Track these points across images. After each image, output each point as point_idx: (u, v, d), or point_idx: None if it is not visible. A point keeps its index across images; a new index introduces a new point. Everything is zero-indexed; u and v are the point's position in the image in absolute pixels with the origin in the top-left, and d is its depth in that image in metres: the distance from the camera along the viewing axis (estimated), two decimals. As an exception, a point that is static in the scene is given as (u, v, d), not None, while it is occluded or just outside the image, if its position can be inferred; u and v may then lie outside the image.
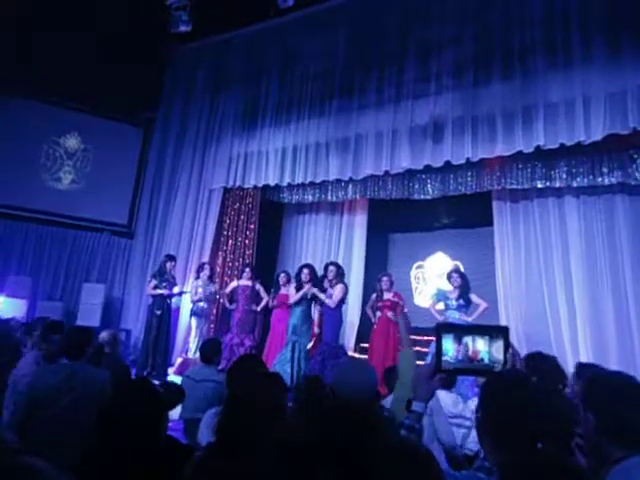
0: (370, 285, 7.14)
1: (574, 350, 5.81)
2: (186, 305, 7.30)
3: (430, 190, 6.97)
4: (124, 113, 8.87)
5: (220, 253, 7.78)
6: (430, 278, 7.57)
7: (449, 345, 1.51)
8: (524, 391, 1.36)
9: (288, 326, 6.18)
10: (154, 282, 6.77)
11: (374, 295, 6.53)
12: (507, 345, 1.54)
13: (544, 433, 1.63)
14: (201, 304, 6.93)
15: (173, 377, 6.28)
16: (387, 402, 3.01)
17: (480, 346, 1.50)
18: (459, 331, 1.55)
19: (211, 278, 7.18)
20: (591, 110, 5.31)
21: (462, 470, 2.49)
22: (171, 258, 7.00)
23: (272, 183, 7.30)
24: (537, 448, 1.28)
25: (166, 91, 8.77)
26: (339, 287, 6.03)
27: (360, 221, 7.87)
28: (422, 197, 7.08)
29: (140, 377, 5.07)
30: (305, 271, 6.29)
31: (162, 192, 8.33)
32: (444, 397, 3.53)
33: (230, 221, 7.86)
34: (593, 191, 6.21)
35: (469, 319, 5.67)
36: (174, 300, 7.00)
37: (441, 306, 6.10)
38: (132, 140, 8.98)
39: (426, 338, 6.51)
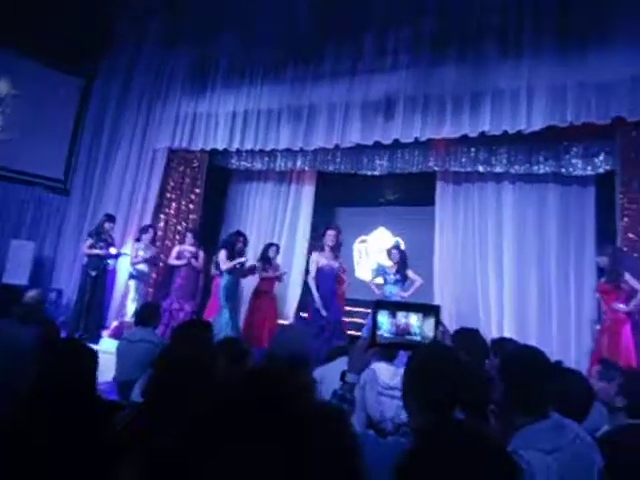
0: (314, 257, 7.23)
1: (499, 328, 6.21)
2: (124, 267, 7.08)
3: (378, 166, 7.07)
4: (64, 60, 8.23)
5: (162, 216, 7.56)
6: (372, 252, 7.76)
7: (384, 320, 1.59)
8: (445, 361, 1.46)
9: (218, 289, 6.20)
10: (90, 241, 6.50)
11: (317, 267, 6.62)
12: (438, 322, 1.64)
13: (464, 401, 1.77)
14: (141, 267, 6.75)
15: (107, 340, 6.14)
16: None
17: (413, 322, 1.59)
18: (394, 307, 1.63)
19: (153, 242, 7.00)
20: (534, 100, 5.55)
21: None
22: (110, 218, 6.73)
23: (220, 147, 7.12)
24: (452, 414, 1.39)
25: (112, 41, 8.23)
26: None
27: (307, 193, 7.88)
28: (370, 173, 7.18)
29: (70, 337, 4.92)
30: (240, 239, 6.30)
31: (102, 148, 7.91)
32: (383, 370, 3.65)
33: (174, 184, 7.61)
34: (529, 179, 6.54)
35: (405, 294, 5.91)
36: (111, 262, 6.77)
37: (380, 280, 6.31)
38: (71, 90, 8.38)
39: (364, 310, 6.73)
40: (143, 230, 6.91)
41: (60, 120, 8.25)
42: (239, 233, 6.45)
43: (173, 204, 7.57)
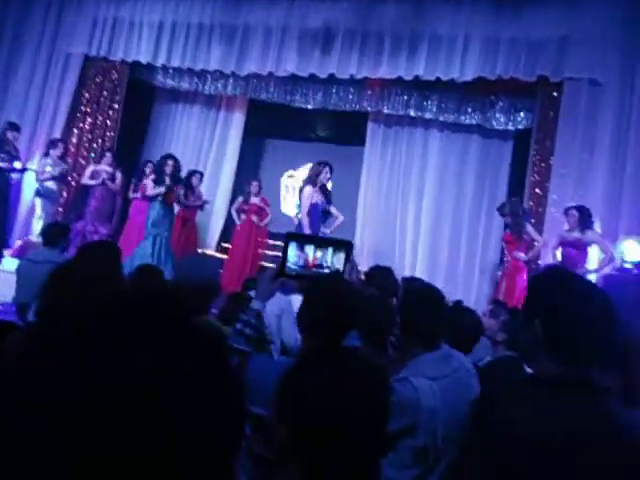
0: (239, 187, 7.10)
1: (412, 268, 6.60)
2: (30, 184, 6.52)
3: (311, 100, 6.92)
4: None
5: (75, 131, 6.93)
6: (299, 188, 7.73)
7: (292, 252, 1.62)
8: (335, 292, 1.52)
9: (147, 219, 5.94)
10: (-10, 152, 5.87)
11: (241, 198, 6.55)
12: (348, 257, 1.70)
13: (365, 331, 1.89)
14: (49, 185, 6.24)
15: (9, 260, 5.75)
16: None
17: (320, 255, 1.63)
18: (304, 240, 1.66)
19: (63, 157, 6.46)
20: (469, 50, 5.65)
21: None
22: (14, 127, 6.08)
23: (144, 60, 6.56)
24: (340, 340, 1.48)
25: None
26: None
27: (237, 121, 7.57)
28: (302, 106, 7.02)
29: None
30: (169, 163, 5.98)
31: (4, 46, 6.95)
32: (299, 301, 3.75)
33: (90, 96, 6.94)
34: (455, 128, 6.76)
35: (327, 230, 6.02)
36: (15, 176, 6.19)
37: (304, 216, 6.36)
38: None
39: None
40: (52, 144, 6.33)
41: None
42: (169, 156, 6.12)
43: (88, 118, 6.95)
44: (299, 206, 6.69)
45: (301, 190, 5.45)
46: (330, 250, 1.64)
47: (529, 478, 1.00)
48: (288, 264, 1.62)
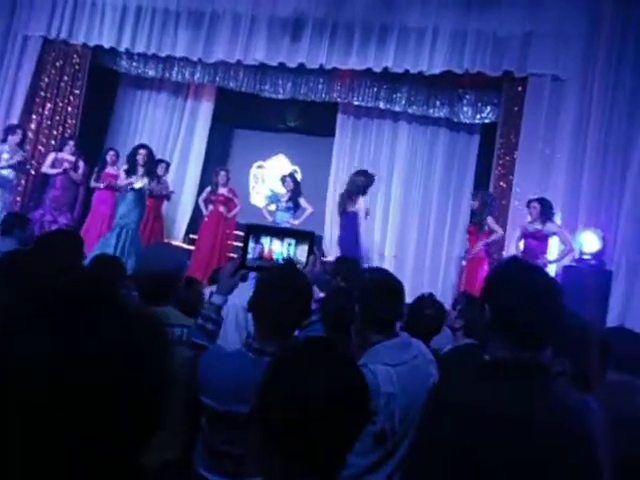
0: (207, 178, 6.99)
1: (380, 257, 6.66)
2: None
3: (281, 90, 6.85)
4: None
5: (34, 117, 6.66)
6: (269, 179, 7.69)
7: (252, 244, 1.59)
8: (283, 280, 1.49)
9: (116, 212, 5.80)
10: (-59, 138, 5.59)
11: (208, 188, 6.45)
12: (311, 248, 1.68)
13: (330, 322, 1.89)
14: (5, 172, 5.98)
15: (-36, 250, 5.50)
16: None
17: (276, 247, 1.61)
18: (264, 232, 1.63)
19: (21, 144, 6.20)
20: (437, 43, 5.71)
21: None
22: (-33, 112, 5.80)
23: (106, 45, 6.36)
24: (289, 329, 1.46)
25: None
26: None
27: (205, 110, 7.43)
28: (272, 96, 6.94)
29: None
30: (142, 152, 5.84)
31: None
32: None
33: (50, 81, 6.66)
34: (424, 121, 6.83)
35: (295, 222, 6.01)
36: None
37: (273, 207, 6.35)
38: None
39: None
40: (9, 130, 6.07)
41: None
42: (142, 146, 5.99)
43: (47, 104, 6.68)
44: (268, 197, 6.66)
45: (350, 197, 5.46)
46: (293, 242, 1.62)
47: (483, 460, 1.02)
48: (248, 256, 1.60)
